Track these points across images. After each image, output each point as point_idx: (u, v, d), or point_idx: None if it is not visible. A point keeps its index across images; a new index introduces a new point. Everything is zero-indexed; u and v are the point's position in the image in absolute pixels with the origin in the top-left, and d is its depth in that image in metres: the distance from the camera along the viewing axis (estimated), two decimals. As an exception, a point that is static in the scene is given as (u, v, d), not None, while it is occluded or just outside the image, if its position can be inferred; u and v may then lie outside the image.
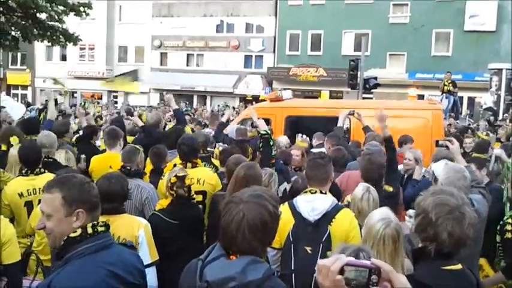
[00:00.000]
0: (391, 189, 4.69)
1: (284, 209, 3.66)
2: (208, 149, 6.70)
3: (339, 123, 7.36)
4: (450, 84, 18.70)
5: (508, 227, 4.03)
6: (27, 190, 4.58)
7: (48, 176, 4.51)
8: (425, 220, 2.37)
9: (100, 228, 2.39)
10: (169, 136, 6.72)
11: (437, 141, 5.18)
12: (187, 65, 38.64)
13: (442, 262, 2.33)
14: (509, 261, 3.92)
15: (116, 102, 36.62)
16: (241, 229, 2.14)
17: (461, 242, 2.34)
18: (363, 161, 4.97)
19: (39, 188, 4.47)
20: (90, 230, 2.35)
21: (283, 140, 7.59)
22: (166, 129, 8.55)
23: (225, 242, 2.19)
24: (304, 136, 7.45)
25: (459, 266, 2.36)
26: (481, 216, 3.70)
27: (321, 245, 3.41)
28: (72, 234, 2.34)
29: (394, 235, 2.82)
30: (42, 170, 4.73)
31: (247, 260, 2.12)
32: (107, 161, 5.79)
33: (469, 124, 16.78)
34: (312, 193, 3.68)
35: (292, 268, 3.46)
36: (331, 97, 31.35)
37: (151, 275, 3.52)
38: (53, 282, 2.27)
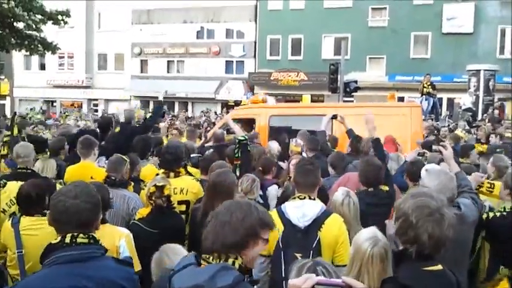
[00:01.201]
0: (387, 188, 4.72)
1: (272, 215, 3.62)
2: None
3: (322, 127, 7.34)
4: (429, 86, 18.89)
5: (490, 214, 4.15)
6: (6, 203, 4.50)
7: (14, 184, 4.54)
8: (405, 223, 2.40)
9: (80, 240, 2.41)
10: (136, 145, 6.60)
11: (430, 146, 5.22)
12: (168, 72, 38.51)
13: (423, 263, 2.36)
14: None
15: (96, 111, 36.33)
16: (225, 233, 2.19)
17: (440, 243, 2.37)
18: (360, 164, 4.94)
19: (14, 197, 4.40)
20: (67, 240, 2.39)
21: (274, 146, 7.40)
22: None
23: (206, 249, 2.19)
24: (299, 141, 7.35)
25: (439, 267, 2.39)
26: (468, 220, 3.70)
27: (311, 252, 3.36)
28: (52, 241, 2.42)
29: (382, 254, 2.81)
30: (4, 181, 4.67)
31: (217, 268, 2.10)
32: (82, 171, 5.67)
33: (449, 125, 16.94)
34: (300, 199, 3.64)
35: (283, 275, 3.40)
36: (312, 101, 31.43)
37: None
38: (19, 284, 2.39)
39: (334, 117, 7.65)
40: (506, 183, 4.39)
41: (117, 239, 3.55)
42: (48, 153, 6.52)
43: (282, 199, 4.56)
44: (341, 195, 4.06)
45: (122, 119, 7.96)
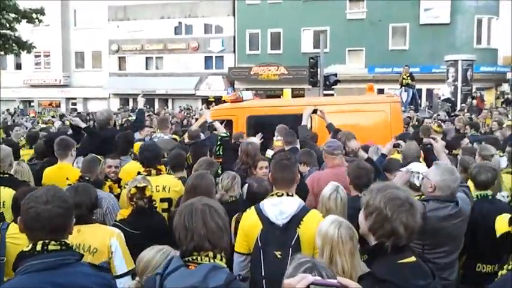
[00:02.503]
0: None
1: (251, 213, 3.59)
2: None
3: (303, 122, 7.28)
4: (408, 78, 19.03)
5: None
6: None
7: (6, 190, 4.53)
8: (379, 217, 2.39)
9: (52, 247, 2.36)
10: (118, 142, 6.56)
11: (421, 139, 5.21)
12: (146, 69, 38.27)
13: (398, 256, 2.37)
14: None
15: (75, 110, 35.93)
16: (215, 221, 2.30)
17: (413, 232, 2.40)
18: (350, 167, 4.82)
19: (3, 202, 4.50)
20: (39, 248, 2.35)
21: (255, 142, 7.30)
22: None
23: (199, 243, 2.23)
24: (280, 137, 7.26)
25: (413, 258, 2.40)
26: (464, 214, 3.71)
27: (290, 249, 3.31)
28: (24, 249, 2.38)
29: (350, 233, 2.90)
30: None
31: (208, 268, 2.13)
32: (60, 172, 5.60)
33: (431, 116, 17.10)
34: (278, 196, 3.57)
35: (263, 274, 3.37)
36: (293, 95, 31.52)
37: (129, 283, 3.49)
38: None
39: (315, 111, 7.63)
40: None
41: (108, 238, 3.53)
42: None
43: (248, 197, 4.42)
44: (329, 190, 4.01)
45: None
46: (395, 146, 6.56)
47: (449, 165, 4.07)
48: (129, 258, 3.57)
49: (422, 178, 3.96)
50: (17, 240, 3.57)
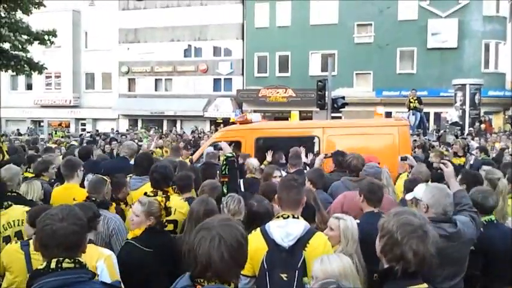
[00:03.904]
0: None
1: (256, 235, 3.58)
2: None
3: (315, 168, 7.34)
4: (416, 101, 19.03)
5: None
6: (3, 225, 4.50)
7: (17, 209, 4.58)
8: (390, 240, 2.43)
9: (66, 265, 2.38)
10: (141, 162, 6.56)
11: (431, 164, 5.20)
12: (155, 90, 38.52)
13: (408, 282, 2.38)
14: None
15: (84, 130, 36.16)
16: (221, 253, 2.16)
17: (425, 260, 2.40)
18: (363, 183, 4.79)
19: (13, 221, 4.54)
20: (53, 265, 2.37)
21: (254, 162, 7.36)
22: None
23: (201, 270, 2.18)
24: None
25: (425, 286, 2.40)
26: (463, 237, 3.63)
27: (297, 272, 3.32)
28: (38, 267, 2.41)
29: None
30: (10, 202, 4.68)
31: None
32: (66, 193, 5.63)
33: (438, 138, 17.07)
34: (284, 218, 3.57)
35: None
36: (300, 117, 31.57)
37: None
38: None
39: (329, 157, 7.67)
40: None
41: (95, 260, 3.49)
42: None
43: (248, 217, 4.39)
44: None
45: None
46: (403, 159, 6.60)
47: (441, 184, 4.05)
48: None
49: (417, 203, 3.97)
50: (40, 256, 3.62)
